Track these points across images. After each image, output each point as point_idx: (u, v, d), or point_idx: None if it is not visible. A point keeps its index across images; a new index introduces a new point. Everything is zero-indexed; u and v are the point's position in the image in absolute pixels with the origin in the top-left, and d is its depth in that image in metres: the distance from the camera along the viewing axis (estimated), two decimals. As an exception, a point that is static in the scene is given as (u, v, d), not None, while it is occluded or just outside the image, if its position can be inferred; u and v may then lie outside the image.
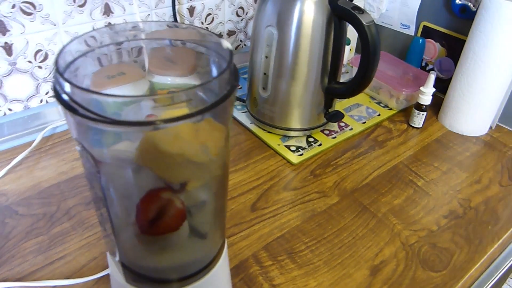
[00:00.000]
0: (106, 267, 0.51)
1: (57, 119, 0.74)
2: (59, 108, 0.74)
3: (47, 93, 0.74)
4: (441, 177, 0.69)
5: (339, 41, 0.66)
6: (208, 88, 0.26)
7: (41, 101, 0.74)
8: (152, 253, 0.30)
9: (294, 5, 0.62)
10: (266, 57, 0.67)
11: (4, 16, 0.64)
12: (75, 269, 0.51)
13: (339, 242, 0.57)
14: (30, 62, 0.70)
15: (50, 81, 0.73)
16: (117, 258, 0.31)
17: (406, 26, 0.92)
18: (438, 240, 0.58)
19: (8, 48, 0.66)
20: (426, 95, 0.76)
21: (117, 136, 0.28)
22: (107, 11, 0.73)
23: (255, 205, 0.62)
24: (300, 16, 0.63)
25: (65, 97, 0.25)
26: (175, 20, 0.81)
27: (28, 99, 0.72)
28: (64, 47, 0.29)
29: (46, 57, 0.71)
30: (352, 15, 0.60)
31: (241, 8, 0.91)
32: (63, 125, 0.73)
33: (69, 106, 0.25)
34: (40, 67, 0.71)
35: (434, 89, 0.75)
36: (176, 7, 0.80)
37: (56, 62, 0.27)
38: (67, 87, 0.25)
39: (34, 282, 0.48)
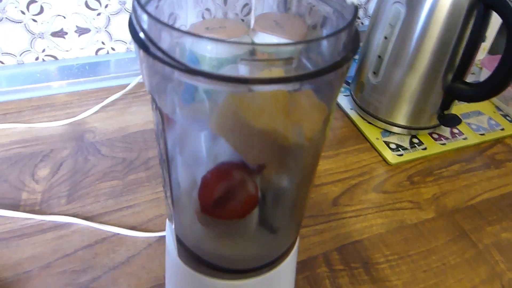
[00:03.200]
0: (171, 227, 0.49)
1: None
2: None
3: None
4: None
5: (478, 34, 0.55)
6: (318, 51, 0.20)
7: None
8: (211, 235, 0.26)
9: (434, -17, 0.53)
10: (386, 38, 0.59)
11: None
12: (142, 221, 0.50)
13: (425, 265, 0.49)
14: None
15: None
16: (173, 228, 0.28)
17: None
18: (551, 294, 0.48)
19: (122, -13, 0.66)
20: None
21: (191, 93, 0.24)
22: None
23: (337, 200, 0.55)
24: (438, -3, 0.53)
25: (141, 35, 0.21)
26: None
27: (131, 42, 0.72)
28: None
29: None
30: (505, 3, 0.49)
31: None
32: (160, 74, 0.72)
33: (141, 42, 0.20)
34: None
35: None
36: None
37: None
38: (145, 21, 0.20)
39: (100, 224, 0.48)
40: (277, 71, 0.19)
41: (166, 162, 0.22)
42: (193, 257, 0.27)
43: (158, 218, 0.50)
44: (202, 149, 0.23)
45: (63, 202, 0.51)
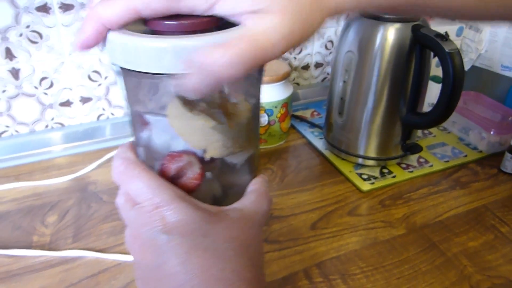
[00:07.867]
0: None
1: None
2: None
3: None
4: (531, 227, 0.62)
5: (421, 70, 0.65)
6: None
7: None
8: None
9: (377, 31, 0.63)
10: (344, 81, 0.68)
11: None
12: (138, 253, 0.55)
13: (398, 273, 0.54)
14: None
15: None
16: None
17: (507, 68, 0.86)
18: (517, 292, 0.52)
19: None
20: (521, 137, 0.70)
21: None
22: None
23: (315, 224, 0.61)
24: (382, 42, 0.63)
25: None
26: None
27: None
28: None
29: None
30: (434, 42, 0.59)
31: (331, 41, 0.94)
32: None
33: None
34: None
35: (531, 132, 0.69)
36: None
37: None
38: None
39: (103, 254, 0.54)
40: None
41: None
42: None
43: (154, 249, 0.56)
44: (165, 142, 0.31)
45: (70, 241, 0.57)
